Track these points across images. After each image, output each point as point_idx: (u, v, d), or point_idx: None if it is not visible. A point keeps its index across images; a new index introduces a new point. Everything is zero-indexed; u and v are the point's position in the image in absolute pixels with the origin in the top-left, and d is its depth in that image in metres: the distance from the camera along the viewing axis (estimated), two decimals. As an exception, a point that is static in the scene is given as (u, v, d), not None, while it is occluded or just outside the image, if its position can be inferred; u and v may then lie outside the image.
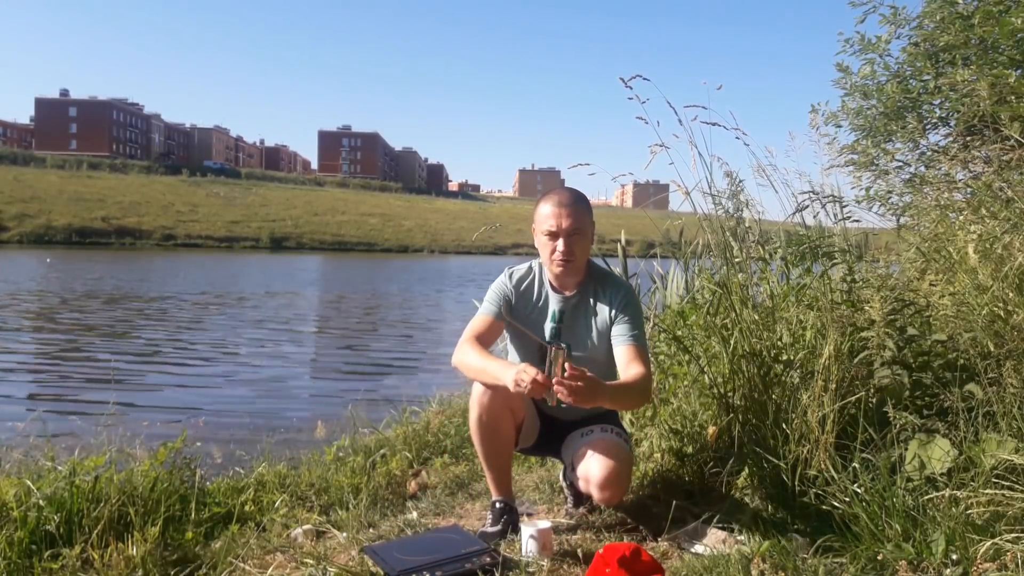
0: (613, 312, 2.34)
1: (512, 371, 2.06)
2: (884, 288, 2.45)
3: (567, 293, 2.39)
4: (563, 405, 2.15)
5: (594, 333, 2.38)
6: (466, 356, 2.29)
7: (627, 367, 2.28)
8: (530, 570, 2.07)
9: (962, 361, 2.36)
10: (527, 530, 2.16)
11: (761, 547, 1.97)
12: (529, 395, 2.04)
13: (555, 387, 1.97)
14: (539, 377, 1.99)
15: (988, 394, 2.12)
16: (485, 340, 2.36)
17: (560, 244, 2.26)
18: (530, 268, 2.46)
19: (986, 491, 1.88)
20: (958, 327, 2.55)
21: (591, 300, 2.38)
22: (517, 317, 2.41)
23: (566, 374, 1.97)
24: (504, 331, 2.45)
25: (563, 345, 2.08)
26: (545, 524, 2.18)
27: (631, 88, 2.48)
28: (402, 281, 30.29)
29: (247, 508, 2.81)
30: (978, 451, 2.01)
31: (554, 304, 2.40)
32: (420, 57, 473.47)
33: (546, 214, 2.29)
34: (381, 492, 2.99)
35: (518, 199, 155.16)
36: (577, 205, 2.29)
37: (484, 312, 2.41)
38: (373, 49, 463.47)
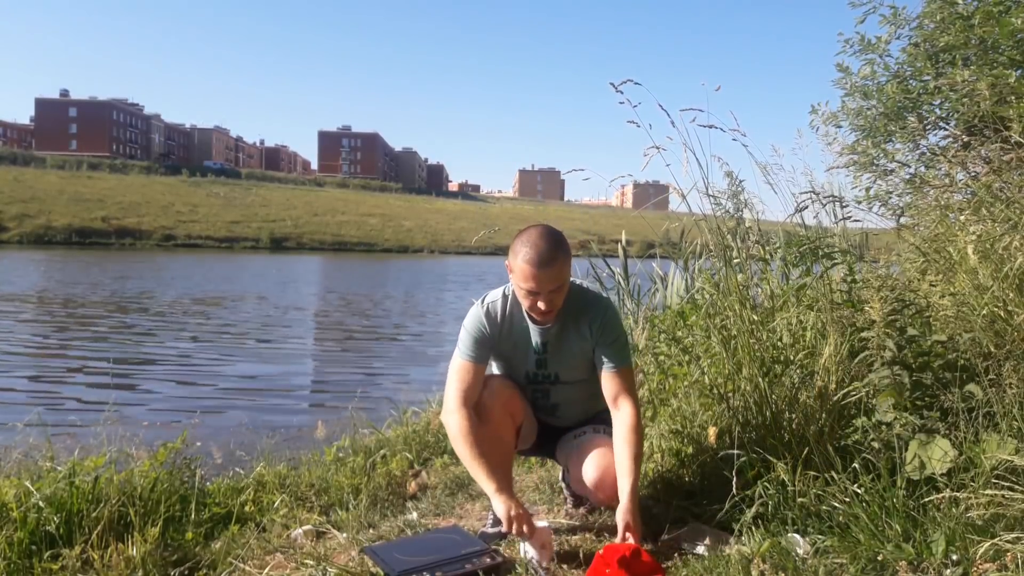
0: (595, 335, 2.30)
1: (506, 512, 2.08)
2: (884, 288, 2.44)
3: (547, 324, 2.32)
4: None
5: (579, 358, 2.34)
6: (457, 436, 2.23)
7: (614, 399, 2.28)
8: (530, 571, 2.07)
9: (962, 362, 2.36)
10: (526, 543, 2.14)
11: (761, 547, 1.97)
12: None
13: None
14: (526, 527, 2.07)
15: (988, 395, 2.12)
16: (472, 394, 2.28)
17: (541, 304, 2.17)
18: (505, 296, 2.35)
19: (986, 492, 1.88)
20: (958, 327, 2.55)
21: (573, 326, 2.32)
22: (499, 350, 2.37)
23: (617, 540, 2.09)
24: (489, 362, 2.41)
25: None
26: (543, 524, 2.18)
27: (622, 92, 2.46)
28: (403, 282, 30.27)
29: (247, 508, 2.81)
30: (978, 452, 2.01)
31: (536, 336, 2.34)
32: (420, 57, 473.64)
33: (525, 274, 2.13)
34: (381, 493, 2.99)
35: (518, 199, 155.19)
36: (553, 264, 2.13)
37: (464, 359, 2.31)
38: (373, 49, 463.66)
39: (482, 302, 2.35)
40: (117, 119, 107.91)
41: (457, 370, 2.31)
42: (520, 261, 2.14)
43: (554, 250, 2.14)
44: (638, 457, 2.21)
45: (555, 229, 2.23)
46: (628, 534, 2.06)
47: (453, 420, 2.25)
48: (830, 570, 1.88)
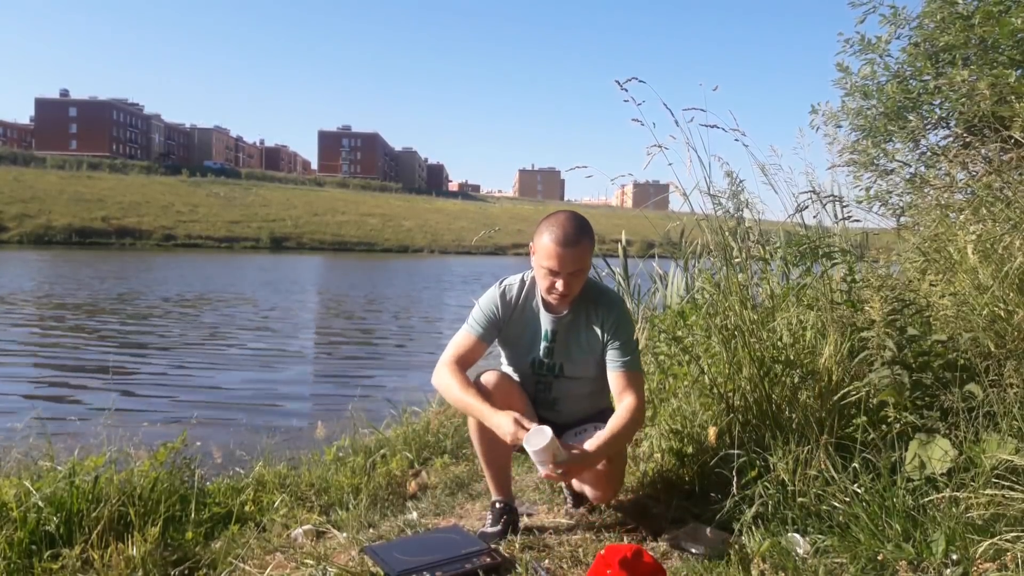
0: (606, 333, 2.32)
1: (506, 425, 2.10)
2: (884, 288, 2.44)
3: (561, 312, 2.35)
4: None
5: (586, 352, 2.35)
6: (447, 382, 2.28)
7: (619, 395, 2.29)
8: (530, 571, 2.07)
9: (962, 361, 2.36)
10: (530, 448, 2.07)
11: (761, 547, 1.97)
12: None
13: (550, 475, 2.09)
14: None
15: (988, 394, 2.12)
16: (466, 362, 2.34)
17: (559, 284, 2.21)
18: (523, 281, 2.40)
19: (986, 491, 1.88)
20: (958, 327, 2.55)
21: (584, 319, 2.35)
22: (507, 333, 2.40)
23: (546, 472, 2.09)
24: (491, 344, 2.44)
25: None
26: (544, 438, 2.05)
27: (627, 91, 2.46)
28: (402, 283, 30.27)
29: (247, 508, 2.81)
30: (978, 451, 2.01)
31: (546, 323, 2.37)
32: (420, 57, 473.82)
33: (548, 252, 2.19)
34: (381, 492, 2.99)
35: (518, 199, 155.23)
36: (577, 246, 2.19)
37: (470, 331, 2.37)
38: (373, 49, 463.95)
39: (500, 283, 2.41)
40: (117, 119, 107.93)
41: (459, 339, 2.38)
42: (545, 239, 2.20)
43: (579, 234, 2.20)
44: (620, 430, 2.19)
45: (583, 216, 2.29)
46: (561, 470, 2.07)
47: (443, 372, 2.31)
48: (830, 570, 1.88)
